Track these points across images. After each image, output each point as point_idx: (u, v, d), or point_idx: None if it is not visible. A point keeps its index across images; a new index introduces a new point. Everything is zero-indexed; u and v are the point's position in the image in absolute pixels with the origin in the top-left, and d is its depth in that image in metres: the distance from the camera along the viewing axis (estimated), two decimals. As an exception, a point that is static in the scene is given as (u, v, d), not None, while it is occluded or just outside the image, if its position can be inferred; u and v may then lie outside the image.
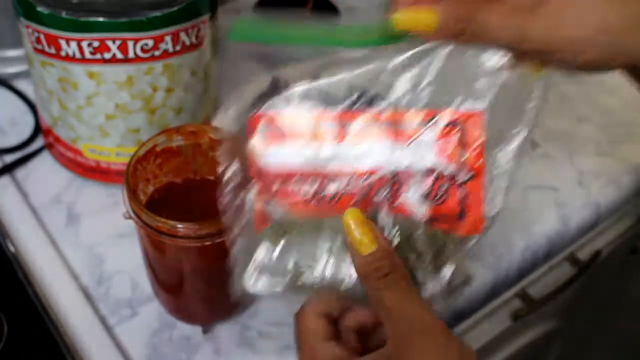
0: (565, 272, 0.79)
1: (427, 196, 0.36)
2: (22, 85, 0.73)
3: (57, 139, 0.63)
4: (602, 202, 0.69)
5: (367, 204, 0.36)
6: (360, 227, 0.34)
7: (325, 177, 0.36)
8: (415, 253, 0.36)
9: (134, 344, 0.55)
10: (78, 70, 0.55)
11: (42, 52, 0.55)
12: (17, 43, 0.68)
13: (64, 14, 0.52)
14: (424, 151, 0.36)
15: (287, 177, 0.36)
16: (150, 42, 0.54)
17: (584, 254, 0.79)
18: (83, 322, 0.55)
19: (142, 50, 0.54)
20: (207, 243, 0.45)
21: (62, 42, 0.54)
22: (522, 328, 0.81)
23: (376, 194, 0.36)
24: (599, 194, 0.70)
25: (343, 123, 0.36)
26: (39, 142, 0.68)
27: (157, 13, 0.53)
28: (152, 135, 0.49)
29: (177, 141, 0.50)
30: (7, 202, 0.63)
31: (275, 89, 0.69)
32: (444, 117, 0.36)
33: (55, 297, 0.56)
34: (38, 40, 0.55)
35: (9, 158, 0.66)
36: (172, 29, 0.55)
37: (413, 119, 0.36)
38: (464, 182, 0.36)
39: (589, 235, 0.74)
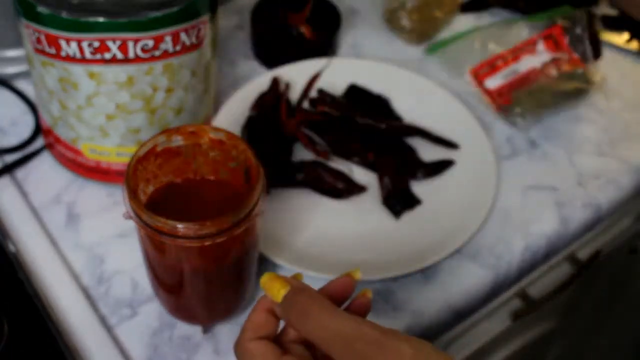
0: (565, 272, 0.79)
1: None
2: (23, 85, 0.73)
3: (57, 139, 0.63)
4: (602, 202, 0.69)
5: None
6: (270, 282, 0.38)
7: None
8: None
9: (134, 344, 0.55)
10: (78, 71, 0.55)
11: (43, 52, 0.55)
12: (18, 43, 0.68)
13: (64, 14, 0.52)
14: None
15: None
16: (151, 42, 0.54)
17: (583, 254, 0.79)
18: (83, 322, 0.55)
19: (142, 50, 0.55)
20: (207, 243, 0.45)
21: (63, 42, 0.54)
22: (522, 328, 0.81)
23: None
24: (599, 194, 0.70)
25: None
26: (39, 142, 0.68)
27: (157, 13, 0.53)
28: (152, 136, 0.49)
29: (177, 141, 0.50)
30: (7, 202, 0.63)
31: (275, 89, 0.69)
32: None
33: (55, 297, 0.56)
34: (38, 41, 0.55)
35: (9, 158, 0.67)
36: (172, 29, 0.55)
37: None
38: None
39: (588, 235, 0.74)
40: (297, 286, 0.37)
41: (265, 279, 0.38)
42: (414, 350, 0.33)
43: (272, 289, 0.37)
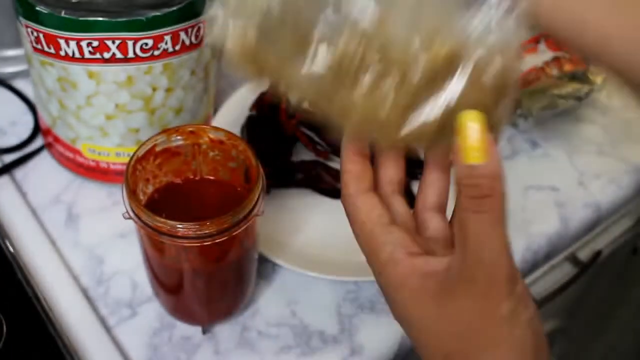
0: (565, 272, 0.79)
1: None
2: (22, 85, 0.73)
3: (57, 139, 0.63)
4: (602, 202, 0.69)
5: None
6: (476, 134, 0.30)
7: None
8: None
9: (134, 344, 0.55)
10: (77, 70, 0.55)
11: (42, 51, 0.55)
12: (17, 42, 0.68)
13: (63, 14, 0.52)
14: None
15: None
16: (150, 42, 0.54)
17: (584, 254, 0.79)
18: (83, 322, 0.55)
19: (142, 50, 0.54)
20: (207, 243, 0.45)
21: (62, 42, 0.54)
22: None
23: None
24: (599, 194, 0.70)
25: None
26: (38, 142, 0.68)
27: (157, 13, 0.53)
28: (151, 135, 0.49)
29: (177, 141, 0.50)
30: (6, 202, 0.63)
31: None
32: None
33: (54, 298, 0.56)
34: (37, 40, 0.55)
35: (8, 158, 0.66)
36: (172, 28, 0.54)
37: None
38: None
39: (589, 236, 0.74)
40: (495, 168, 0.30)
41: (468, 118, 0.30)
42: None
43: (469, 144, 0.30)
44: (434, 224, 0.36)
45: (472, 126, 0.30)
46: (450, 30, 0.31)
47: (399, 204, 0.37)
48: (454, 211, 0.34)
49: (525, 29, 0.31)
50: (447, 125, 0.32)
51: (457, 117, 0.30)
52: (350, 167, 0.35)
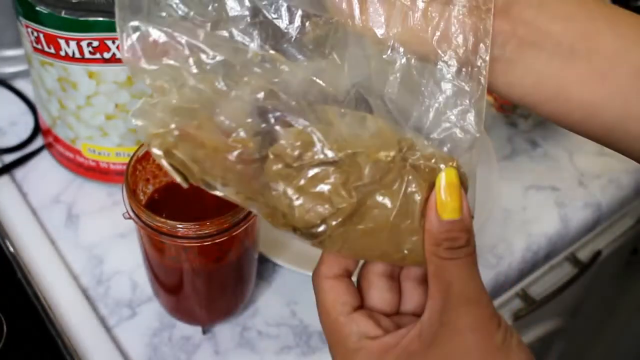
0: (565, 272, 0.79)
1: None
2: (22, 85, 0.73)
3: (57, 139, 0.63)
4: (602, 202, 0.69)
5: None
6: (450, 190, 0.32)
7: None
8: None
9: (134, 344, 0.55)
10: (77, 70, 0.55)
11: (42, 51, 0.55)
12: (17, 43, 0.68)
13: (63, 14, 0.52)
14: None
15: None
16: (150, 42, 0.54)
17: (584, 254, 0.79)
18: (83, 322, 0.55)
19: (142, 49, 0.54)
20: (207, 243, 0.45)
21: (62, 42, 0.54)
22: (522, 328, 0.81)
23: None
24: (600, 194, 0.70)
25: None
26: (38, 142, 0.68)
27: (157, 12, 0.53)
28: (151, 135, 0.49)
29: (177, 141, 0.50)
30: (6, 202, 0.63)
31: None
32: None
33: (54, 297, 0.56)
34: (37, 40, 0.55)
35: (8, 158, 0.66)
36: (172, 28, 0.54)
37: None
38: None
39: (589, 236, 0.74)
40: (468, 220, 0.32)
41: (448, 179, 0.32)
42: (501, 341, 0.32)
43: (446, 200, 0.32)
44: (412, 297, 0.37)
45: (449, 185, 0.32)
46: (393, 132, 0.32)
47: (374, 289, 0.37)
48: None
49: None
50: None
51: (437, 176, 0.32)
52: (331, 293, 0.35)
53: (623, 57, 0.32)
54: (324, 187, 0.31)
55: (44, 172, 0.66)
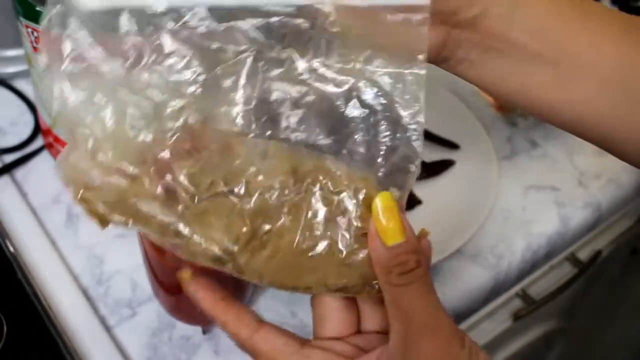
0: (565, 272, 0.79)
1: None
2: (22, 85, 0.73)
3: (57, 139, 0.63)
4: (602, 202, 0.69)
5: None
6: (389, 214, 0.31)
7: None
8: None
9: (134, 344, 0.55)
10: (78, 70, 0.55)
11: (42, 51, 0.55)
12: (17, 43, 0.68)
13: (63, 14, 0.52)
14: None
15: None
16: (150, 42, 0.54)
17: (584, 254, 0.79)
18: (82, 322, 0.55)
19: (142, 50, 0.54)
20: (207, 243, 0.44)
21: (62, 42, 0.54)
22: (522, 328, 0.81)
23: None
24: (599, 194, 0.70)
25: None
26: (38, 142, 0.68)
27: (157, 13, 0.53)
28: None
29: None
30: (6, 202, 0.63)
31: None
32: None
33: (55, 297, 0.56)
34: (37, 40, 0.55)
35: (8, 158, 0.66)
36: (172, 28, 0.54)
37: None
38: None
39: (589, 236, 0.74)
40: (413, 241, 0.31)
41: (383, 203, 0.31)
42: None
43: (387, 225, 0.31)
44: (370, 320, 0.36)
45: (386, 209, 0.31)
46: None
47: (330, 310, 0.36)
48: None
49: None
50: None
51: (372, 203, 0.31)
52: (226, 316, 0.35)
53: (592, 69, 0.33)
54: (221, 217, 0.31)
55: (44, 172, 0.66)
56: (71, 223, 0.62)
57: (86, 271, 0.59)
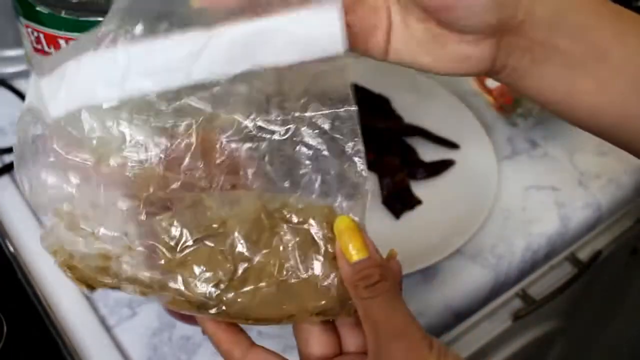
0: (565, 272, 0.79)
1: None
2: (22, 85, 0.73)
3: (57, 139, 0.63)
4: (602, 202, 0.69)
5: None
6: (349, 234, 0.34)
7: None
8: None
9: (134, 344, 0.55)
10: (78, 70, 0.55)
11: (42, 51, 0.55)
12: (17, 43, 0.68)
13: (63, 14, 0.52)
14: None
15: None
16: (150, 42, 0.54)
17: (584, 254, 0.79)
18: (83, 322, 0.55)
19: (142, 50, 0.54)
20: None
21: (62, 42, 0.54)
22: (522, 328, 0.81)
23: None
24: (600, 194, 0.70)
25: None
26: (38, 142, 0.68)
27: (157, 13, 0.53)
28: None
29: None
30: (6, 202, 0.63)
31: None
32: None
33: (55, 297, 0.56)
34: (38, 40, 0.55)
35: (8, 158, 0.66)
36: (172, 28, 0.55)
37: None
38: None
39: (589, 236, 0.74)
40: (375, 256, 0.34)
41: (343, 225, 0.34)
42: None
43: (349, 244, 0.33)
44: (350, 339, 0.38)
45: (347, 230, 0.34)
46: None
47: (310, 335, 0.38)
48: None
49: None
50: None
51: (334, 226, 0.34)
52: (222, 335, 0.37)
53: (625, 67, 0.35)
54: (201, 264, 0.34)
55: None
56: (71, 223, 0.62)
57: (86, 271, 0.59)
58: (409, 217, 0.65)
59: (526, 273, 0.67)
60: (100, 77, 0.34)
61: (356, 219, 0.34)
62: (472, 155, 0.70)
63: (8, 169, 0.65)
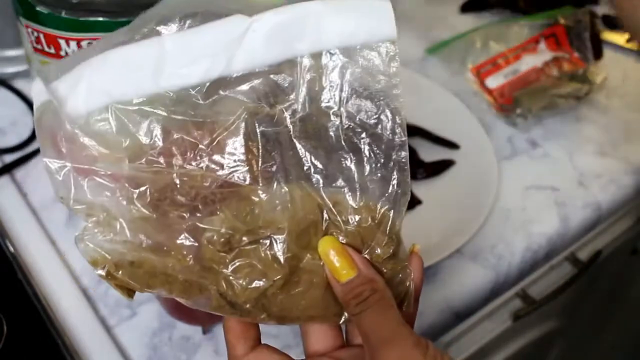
0: (565, 272, 0.79)
1: None
2: (22, 85, 0.73)
3: (57, 139, 0.63)
4: (602, 202, 0.69)
5: None
6: (337, 255, 0.34)
7: None
8: None
9: (134, 344, 0.55)
10: (78, 70, 0.55)
11: (42, 51, 0.55)
12: (17, 43, 0.68)
13: (63, 14, 0.52)
14: None
15: None
16: (150, 42, 0.54)
17: (584, 254, 0.79)
18: (83, 322, 0.55)
19: (142, 50, 0.54)
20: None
21: (62, 42, 0.54)
22: (522, 328, 0.81)
23: None
24: (600, 194, 0.70)
25: None
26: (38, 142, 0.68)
27: (157, 13, 0.53)
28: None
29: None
30: (6, 202, 0.63)
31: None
32: None
33: (55, 297, 0.56)
34: (38, 40, 0.55)
35: (8, 158, 0.66)
36: (172, 28, 0.55)
37: None
38: None
39: (589, 236, 0.74)
40: (364, 274, 0.34)
41: (328, 246, 0.34)
42: None
43: (336, 265, 0.34)
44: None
45: (331, 251, 0.34)
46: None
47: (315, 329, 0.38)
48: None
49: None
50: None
51: (319, 249, 0.34)
52: (233, 324, 0.36)
53: None
54: (257, 263, 0.33)
55: (44, 172, 0.65)
56: (71, 223, 0.62)
57: (86, 271, 0.59)
58: (409, 217, 0.65)
59: (526, 273, 0.67)
60: (130, 71, 0.32)
61: (397, 221, 0.35)
62: (472, 155, 0.70)
63: (8, 169, 0.65)
